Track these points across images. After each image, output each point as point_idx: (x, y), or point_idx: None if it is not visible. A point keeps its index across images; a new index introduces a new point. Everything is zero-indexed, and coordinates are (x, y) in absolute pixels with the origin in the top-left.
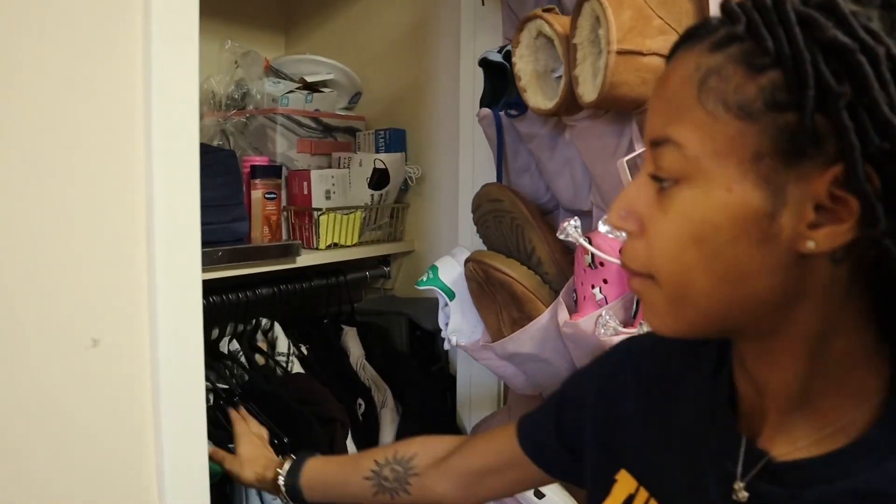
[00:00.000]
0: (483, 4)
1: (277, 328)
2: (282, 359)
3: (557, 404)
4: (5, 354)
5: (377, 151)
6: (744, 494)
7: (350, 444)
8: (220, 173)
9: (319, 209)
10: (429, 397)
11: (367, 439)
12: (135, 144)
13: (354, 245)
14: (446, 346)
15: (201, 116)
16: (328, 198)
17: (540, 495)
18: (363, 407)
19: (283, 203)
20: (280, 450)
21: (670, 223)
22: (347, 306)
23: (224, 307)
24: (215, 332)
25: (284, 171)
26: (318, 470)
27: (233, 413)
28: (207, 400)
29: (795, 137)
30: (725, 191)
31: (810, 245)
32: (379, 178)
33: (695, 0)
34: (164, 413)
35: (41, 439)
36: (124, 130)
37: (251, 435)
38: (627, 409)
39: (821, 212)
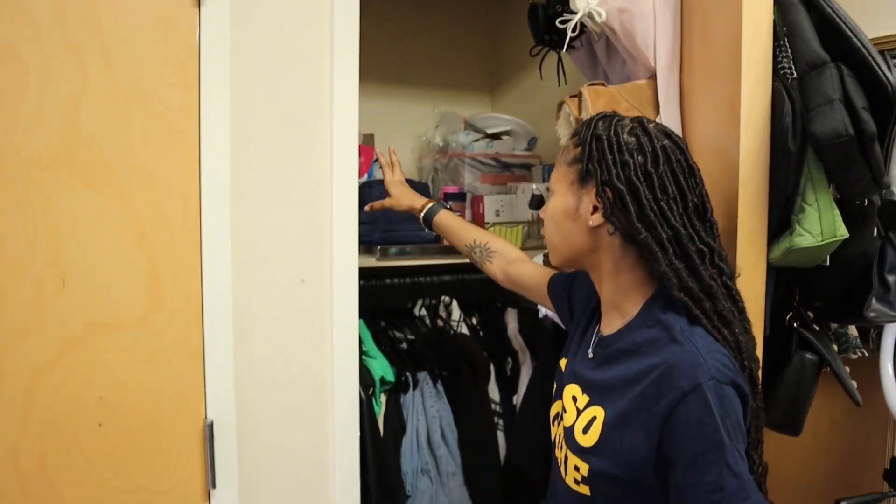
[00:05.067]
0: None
1: (454, 304)
2: (454, 324)
3: (572, 279)
4: (257, 286)
5: (543, 182)
6: (590, 354)
7: (493, 388)
8: None
9: (488, 223)
10: (551, 359)
11: (510, 386)
12: (324, 179)
13: None
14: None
15: (421, 159)
16: (497, 215)
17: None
18: (510, 364)
19: (469, 218)
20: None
21: (547, 213)
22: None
23: (418, 286)
24: (410, 303)
25: (469, 196)
26: (444, 219)
27: (382, 159)
28: (402, 344)
29: (583, 175)
30: (561, 197)
31: (590, 223)
32: (538, 202)
33: (653, 88)
34: (336, 325)
35: (274, 338)
36: (321, 172)
37: (397, 183)
38: (586, 312)
39: (595, 209)
